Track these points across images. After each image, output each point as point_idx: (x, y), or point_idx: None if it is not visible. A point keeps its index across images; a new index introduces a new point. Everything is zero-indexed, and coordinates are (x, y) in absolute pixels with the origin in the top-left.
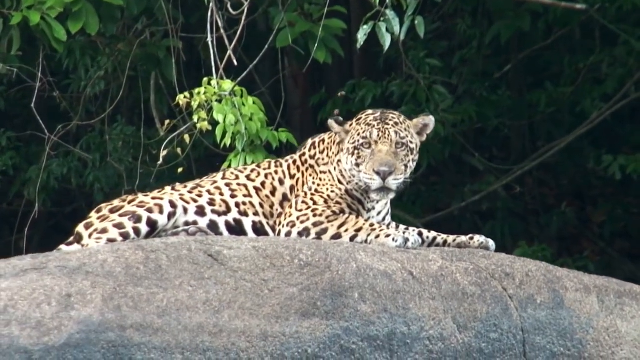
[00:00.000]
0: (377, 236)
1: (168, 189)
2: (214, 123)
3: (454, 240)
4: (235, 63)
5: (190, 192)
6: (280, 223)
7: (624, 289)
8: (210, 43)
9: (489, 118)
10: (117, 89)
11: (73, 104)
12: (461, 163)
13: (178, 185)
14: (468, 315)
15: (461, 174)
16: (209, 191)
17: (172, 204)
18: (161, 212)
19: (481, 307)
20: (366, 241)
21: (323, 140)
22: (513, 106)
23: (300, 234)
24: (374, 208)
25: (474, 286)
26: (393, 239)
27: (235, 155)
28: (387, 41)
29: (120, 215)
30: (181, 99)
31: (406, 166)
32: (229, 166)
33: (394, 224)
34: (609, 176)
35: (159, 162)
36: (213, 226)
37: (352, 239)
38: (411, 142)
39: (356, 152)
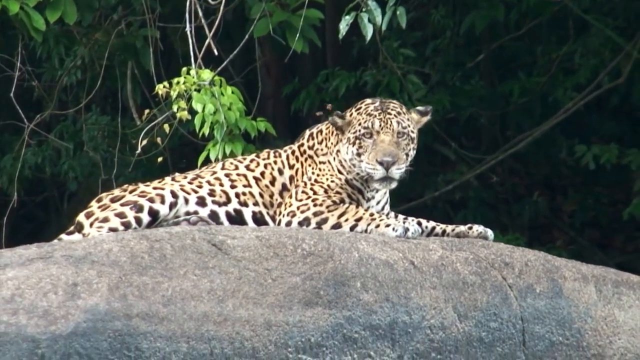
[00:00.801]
0: (377, 225)
1: (168, 179)
2: (192, 112)
3: (453, 230)
4: (216, 52)
5: (190, 182)
6: (280, 213)
7: (621, 278)
8: (188, 33)
9: (462, 108)
10: (91, 79)
11: (47, 92)
12: (433, 152)
13: (178, 176)
14: (468, 304)
15: (432, 163)
16: (209, 182)
17: (174, 194)
18: (163, 202)
19: (481, 297)
20: (366, 230)
21: (321, 131)
22: (486, 96)
23: (300, 223)
24: (373, 197)
25: (474, 275)
26: (393, 229)
27: (213, 145)
28: (369, 32)
29: (122, 205)
30: (160, 88)
31: (407, 155)
32: (207, 156)
33: (392, 214)
34: (578, 166)
35: (137, 152)
36: (214, 216)
37: (352, 228)
38: (412, 132)
39: (357, 142)
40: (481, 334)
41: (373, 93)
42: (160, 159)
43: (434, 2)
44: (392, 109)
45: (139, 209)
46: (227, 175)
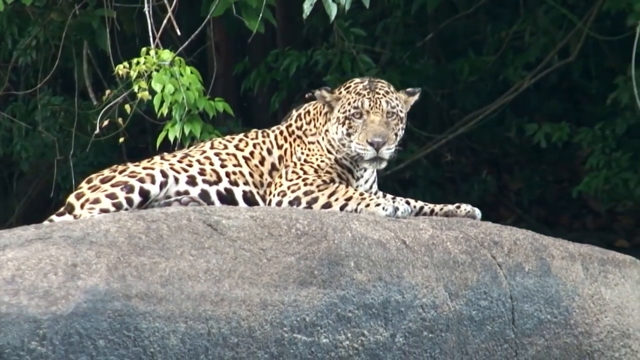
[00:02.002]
0: (367, 205)
1: (157, 158)
2: (151, 93)
3: (441, 209)
4: (179, 32)
5: (180, 161)
6: (270, 193)
7: (606, 256)
8: (147, 13)
9: (412, 86)
10: (44, 59)
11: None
12: None
13: (167, 155)
14: (459, 283)
15: None
16: (198, 161)
17: (164, 174)
18: (153, 181)
19: (471, 275)
20: (356, 210)
21: (308, 112)
22: (435, 74)
23: (291, 202)
24: (362, 176)
25: (464, 254)
26: (383, 208)
27: (172, 125)
28: (333, 11)
29: (112, 186)
30: (120, 68)
31: (396, 135)
32: (166, 136)
33: (380, 193)
34: (523, 144)
35: (96, 132)
36: (204, 195)
37: (342, 207)
38: (401, 111)
39: (347, 121)
40: (472, 312)
41: (324, 72)
42: (122, 139)
43: None
44: (380, 88)
45: (130, 189)
46: (216, 154)
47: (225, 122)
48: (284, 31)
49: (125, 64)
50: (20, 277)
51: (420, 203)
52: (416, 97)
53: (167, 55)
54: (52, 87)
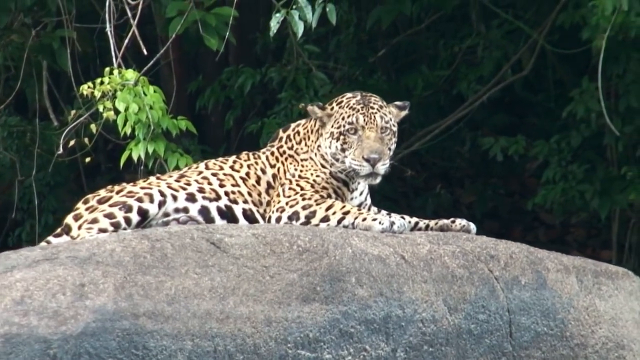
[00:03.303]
0: (364, 219)
1: (153, 178)
2: (115, 112)
3: (436, 224)
4: (145, 52)
5: (177, 181)
6: (270, 210)
7: (599, 268)
8: (109, 33)
9: None
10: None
11: None
12: None
13: (162, 176)
14: (458, 297)
15: None
16: (197, 181)
17: (162, 193)
18: (151, 200)
19: (470, 289)
20: (353, 224)
21: (298, 132)
22: (389, 90)
23: (290, 217)
24: (356, 188)
25: (462, 269)
26: (380, 222)
27: (135, 144)
28: (300, 29)
29: (110, 206)
30: (84, 88)
31: (390, 149)
32: (130, 155)
33: (375, 209)
34: (472, 158)
35: (59, 152)
36: (204, 211)
37: (339, 221)
38: (393, 126)
39: (342, 137)
40: (470, 326)
41: (279, 89)
42: (88, 159)
43: None
44: (374, 103)
45: (128, 209)
46: (214, 174)
47: (181, 141)
48: (237, 49)
49: (90, 84)
50: (29, 298)
51: (414, 219)
52: (406, 110)
53: (130, 74)
54: (6, 108)
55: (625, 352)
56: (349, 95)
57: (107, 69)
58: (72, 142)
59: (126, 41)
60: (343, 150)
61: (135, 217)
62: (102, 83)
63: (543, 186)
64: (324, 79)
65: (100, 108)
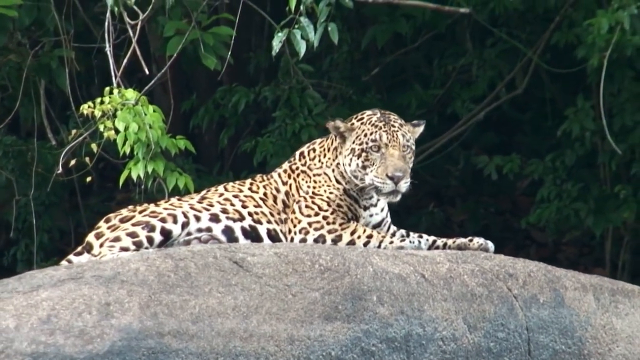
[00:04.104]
0: (391, 242)
1: (174, 200)
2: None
3: (454, 242)
4: (147, 72)
5: (200, 202)
6: (289, 231)
7: (616, 287)
8: (109, 52)
9: None
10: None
11: None
12: None
13: (184, 197)
14: (477, 315)
15: None
16: (219, 202)
17: (185, 215)
18: (175, 221)
19: (489, 308)
20: (379, 247)
21: (313, 149)
22: (383, 108)
23: (316, 240)
24: (375, 205)
25: (481, 287)
26: (410, 241)
27: (135, 163)
28: (302, 48)
29: (133, 225)
30: (85, 108)
31: (410, 168)
32: (129, 175)
33: (393, 228)
34: (463, 176)
35: (59, 171)
36: (228, 231)
37: (365, 244)
38: (413, 144)
39: (364, 154)
40: (489, 344)
41: (273, 108)
42: (89, 179)
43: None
44: (394, 121)
45: (151, 228)
46: (235, 196)
47: (175, 160)
48: (230, 68)
49: (90, 103)
50: (55, 317)
51: (432, 237)
52: (421, 128)
53: (130, 94)
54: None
55: None
56: (368, 112)
57: (107, 89)
58: (73, 162)
59: (125, 60)
60: (364, 167)
61: (158, 237)
62: (102, 102)
63: (538, 205)
64: (318, 98)
65: (101, 127)
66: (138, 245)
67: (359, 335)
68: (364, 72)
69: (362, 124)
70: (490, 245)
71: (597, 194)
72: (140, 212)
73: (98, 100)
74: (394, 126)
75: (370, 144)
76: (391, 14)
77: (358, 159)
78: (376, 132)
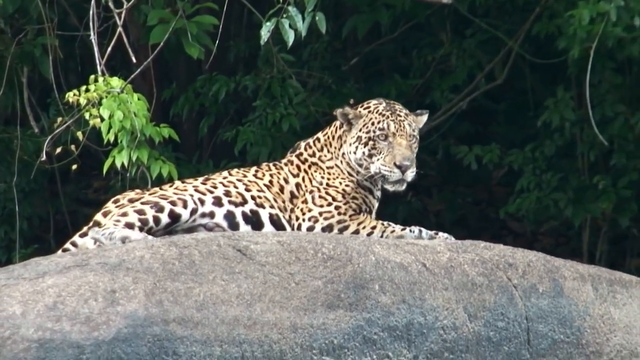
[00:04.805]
0: (393, 231)
1: (179, 183)
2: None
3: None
4: (134, 60)
5: (204, 183)
6: (296, 218)
7: (614, 277)
8: (93, 40)
9: None
10: None
11: None
12: None
13: (188, 180)
14: (477, 304)
15: None
16: (222, 184)
17: (194, 202)
18: (185, 206)
19: (489, 297)
20: (381, 236)
21: (318, 139)
22: (363, 98)
23: (323, 229)
24: (379, 196)
25: (481, 277)
26: (410, 231)
27: (119, 151)
28: (290, 37)
29: (142, 204)
30: (70, 96)
31: (415, 157)
32: (113, 162)
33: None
34: (439, 166)
35: (42, 159)
36: (230, 216)
37: (368, 235)
38: (417, 134)
39: (371, 142)
40: (489, 333)
41: (253, 97)
42: (74, 167)
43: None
44: (400, 111)
45: (160, 209)
46: (239, 180)
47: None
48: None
49: (75, 91)
50: (61, 304)
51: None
52: (424, 118)
53: (116, 82)
54: None
55: None
56: (374, 101)
57: (92, 77)
58: (58, 149)
59: (109, 49)
60: (370, 156)
61: (165, 219)
62: (87, 90)
63: (517, 195)
64: (299, 87)
65: (87, 115)
66: (144, 223)
67: (361, 324)
68: (344, 61)
69: (369, 112)
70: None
71: (576, 184)
72: (150, 194)
73: (83, 88)
74: (400, 115)
75: (378, 132)
76: (372, 4)
77: (365, 147)
78: (384, 120)
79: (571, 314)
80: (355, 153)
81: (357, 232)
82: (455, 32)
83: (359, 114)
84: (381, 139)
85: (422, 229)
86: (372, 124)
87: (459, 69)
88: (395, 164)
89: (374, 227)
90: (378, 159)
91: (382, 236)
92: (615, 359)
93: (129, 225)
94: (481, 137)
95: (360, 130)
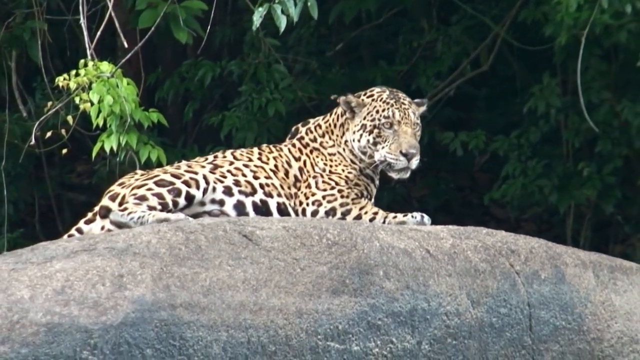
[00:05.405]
0: (395, 217)
1: (182, 164)
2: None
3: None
4: (126, 45)
5: (212, 172)
6: (300, 203)
7: (615, 264)
8: (83, 25)
9: (326, 95)
10: None
11: None
12: None
13: (192, 163)
14: (480, 291)
15: None
16: (230, 171)
17: (206, 180)
18: (197, 187)
19: (492, 283)
20: (384, 222)
21: (319, 125)
22: (348, 84)
23: (327, 212)
24: (378, 185)
25: (484, 263)
26: (412, 216)
27: (108, 136)
28: (282, 23)
29: (158, 185)
30: (60, 80)
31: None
32: (102, 147)
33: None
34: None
35: (32, 143)
36: (240, 206)
37: (371, 220)
38: (420, 123)
39: (376, 130)
40: (492, 319)
41: (239, 83)
42: (64, 151)
43: None
44: (403, 99)
45: (177, 193)
46: (245, 165)
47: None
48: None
49: (66, 75)
50: (69, 288)
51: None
52: (424, 107)
53: (106, 67)
54: None
55: (639, 347)
56: (378, 89)
57: (82, 61)
58: (49, 133)
59: (99, 33)
60: (375, 143)
61: (182, 202)
62: (77, 75)
63: (503, 181)
64: (284, 73)
65: (77, 100)
66: (164, 207)
67: (366, 310)
68: (329, 47)
69: (373, 100)
70: (427, 219)
71: (561, 171)
72: (164, 172)
73: (73, 72)
74: (404, 104)
75: (383, 120)
76: None
77: (369, 135)
78: (388, 109)
79: (572, 300)
80: (359, 141)
81: (359, 217)
82: (440, 19)
83: (362, 102)
84: (386, 127)
85: (424, 215)
86: (377, 112)
87: (445, 55)
88: (401, 152)
89: (375, 213)
90: (383, 147)
91: (384, 222)
92: (616, 346)
93: (152, 209)
94: (464, 123)
95: (364, 118)
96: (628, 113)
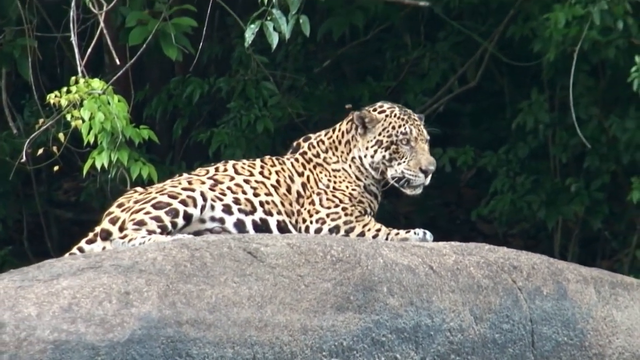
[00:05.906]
0: (397, 233)
1: (184, 179)
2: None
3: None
4: (118, 62)
5: (212, 189)
6: (303, 220)
7: (616, 279)
8: (74, 42)
9: (314, 112)
10: None
11: None
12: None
13: (193, 177)
14: (483, 307)
15: None
16: (230, 188)
17: (204, 197)
18: (195, 205)
19: (494, 299)
20: (386, 239)
21: (322, 141)
22: (336, 101)
23: (330, 230)
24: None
25: (487, 279)
26: (415, 233)
27: (99, 153)
28: (274, 40)
29: (155, 208)
30: (52, 97)
31: None
32: (93, 164)
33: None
34: None
35: (22, 160)
36: (240, 225)
37: (374, 237)
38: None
39: (393, 146)
40: (495, 335)
41: (227, 99)
42: (56, 168)
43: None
44: (413, 115)
45: (175, 214)
46: (246, 181)
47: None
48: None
49: (57, 92)
50: (76, 305)
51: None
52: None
53: (97, 84)
54: None
55: None
56: (387, 105)
57: (73, 78)
58: (40, 150)
59: (89, 50)
60: (390, 160)
61: (180, 222)
62: (68, 92)
63: (491, 197)
64: (273, 89)
65: (68, 117)
66: (163, 230)
67: (370, 326)
68: (317, 63)
69: (386, 116)
70: (429, 235)
71: (549, 186)
72: (158, 192)
73: (64, 89)
74: (416, 120)
75: (401, 136)
76: (347, 6)
77: (385, 151)
78: (404, 125)
79: (574, 316)
80: (373, 157)
81: (362, 234)
82: (427, 35)
83: (376, 118)
84: (403, 143)
85: (426, 231)
86: (393, 127)
87: (432, 71)
88: (420, 168)
89: (378, 230)
90: (399, 164)
91: (387, 238)
92: None
93: (151, 233)
94: (449, 139)
95: (379, 134)
96: (616, 129)
